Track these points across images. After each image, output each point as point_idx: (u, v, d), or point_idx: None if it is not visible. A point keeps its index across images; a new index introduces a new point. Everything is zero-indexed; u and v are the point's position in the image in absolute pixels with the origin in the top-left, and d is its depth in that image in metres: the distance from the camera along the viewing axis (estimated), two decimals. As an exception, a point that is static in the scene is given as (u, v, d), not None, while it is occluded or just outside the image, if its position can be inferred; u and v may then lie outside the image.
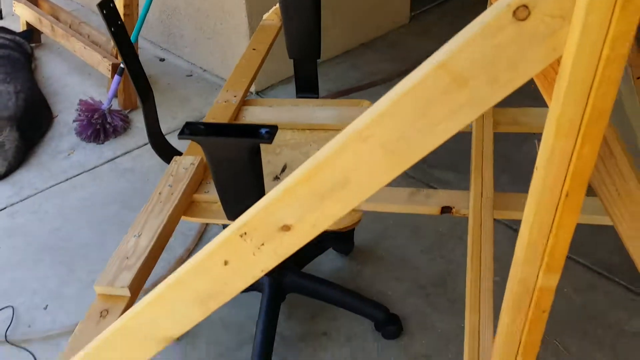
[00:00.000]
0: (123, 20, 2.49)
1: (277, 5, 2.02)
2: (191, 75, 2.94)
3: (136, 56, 1.53)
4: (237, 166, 1.22)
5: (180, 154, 1.59)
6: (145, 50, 3.11)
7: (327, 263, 1.96)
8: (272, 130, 1.17)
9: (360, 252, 1.99)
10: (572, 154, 0.57)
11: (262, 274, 0.79)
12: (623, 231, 0.72)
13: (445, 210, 1.33)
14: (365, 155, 0.65)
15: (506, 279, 0.79)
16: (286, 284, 1.75)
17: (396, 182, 0.86)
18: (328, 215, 0.71)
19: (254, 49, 1.93)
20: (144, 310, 0.87)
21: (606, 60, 0.51)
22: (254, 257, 0.77)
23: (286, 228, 0.73)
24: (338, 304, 1.76)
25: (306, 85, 1.80)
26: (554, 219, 0.62)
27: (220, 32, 2.75)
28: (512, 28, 0.54)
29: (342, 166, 0.66)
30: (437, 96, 0.59)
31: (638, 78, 1.31)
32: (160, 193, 1.39)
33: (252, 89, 2.76)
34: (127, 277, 1.19)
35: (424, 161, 2.15)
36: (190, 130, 1.20)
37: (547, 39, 0.54)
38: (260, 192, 1.27)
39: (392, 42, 3.16)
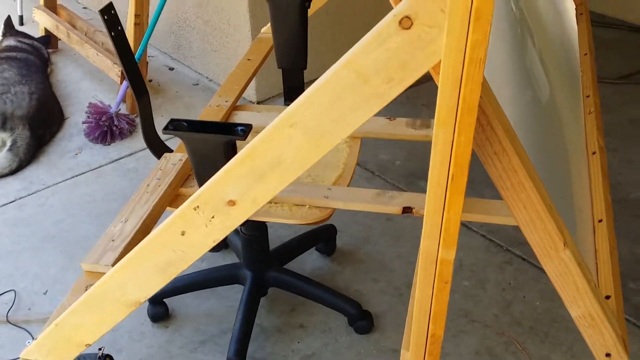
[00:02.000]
0: (134, 29, 2.66)
1: (274, 19, 2.16)
2: (198, 84, 3.09)
3: (134, 60, 1.67)
4: (214, 160, 1.35)
5: (171, 151, 1.73)
6: (156, 59, 3.27)
7: (310, 262, 2.08)
8: (247, 128, 1.29)
9: (342, 254, 2.11)
10: (452, 142, 0.69)
11: (214, 244, 0.92)
12: (518, 218, 0.83)
13: (406, 210, 1.44)
14: (293, 138, 0.77)
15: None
16: (268, 278, 1.87)
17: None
18: (266, 192, 0.83)
19: (248, 59, 2.07)
20: (112, 277, 1.00)
21: (468, 61, 0.63)
22: (207, 229, 0.89)
23: (231, 203, 0.85)
24: (315, 299, 1.88)
25: (294, 94, 1.93)
26: (445, 199, 0.74)
27: (226, 45, 2.90)
28: (400, 35, 0.67)
29: (275, 147, 0.79)
30: (345, 90, 0.72)
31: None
32: (148, 185, 1.52)
33: (254, 98, 2.90)
34: (112, 256, 1.32)
35: (411, 173, 2.27)
36: (174, 125, 1.34)
37: (428, 45, 0.66)
38: (236, 186, 1.40)
39: None
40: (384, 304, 1.92)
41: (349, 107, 0.72)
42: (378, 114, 1.96)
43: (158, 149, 1.74)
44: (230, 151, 1.34)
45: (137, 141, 2.70)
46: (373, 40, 0.68)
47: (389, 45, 0.67)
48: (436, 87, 0.77)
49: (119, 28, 1.62)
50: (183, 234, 0.89)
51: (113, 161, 2.59)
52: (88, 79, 3.12)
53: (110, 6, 1.58)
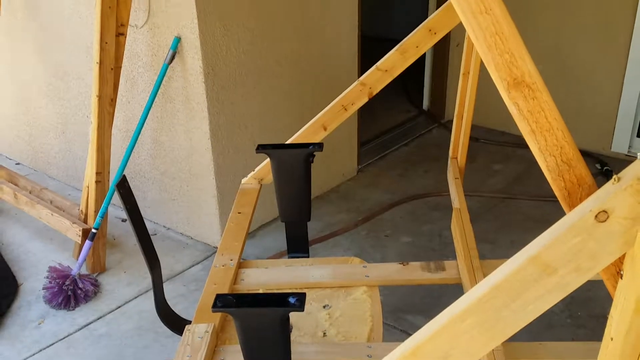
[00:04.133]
0: (95, 187, 2.57)
1: (256, 170, 2.17)
2: (155, 234, 3.00)
3: (147, 230, 1.61)
4: (267, 333, 1.29)
5: (186, 321, 1.64)
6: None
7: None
8: (302, 297, 1.25)
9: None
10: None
11: None
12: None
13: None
14: (464, 334, 0.75)
15: None
16: None
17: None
18: (425, 387, 0.79)
19: (239, 212, 2.04)
20: None
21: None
22: None
23: (382, 400, 0.81)
24: None
25: (297, 246, 1.91)
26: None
27: (187, 193, 2.86)
28: (594, 228, 0.68)
29: (443, 344, 0.76)
30: (530, 283, 0.71)
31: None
32: (181, 364, 1.42)
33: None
34: None
35: (397, 308, 2.26)
36: (223, 302, 1.27)
37: (622, 235, 0.68)
38: (287, 356, 1.33)
39: (344, 194, 3.36)
40: None
41: (531, 299, 0.72)
42: (387, 260, 1.96)
43: (174, 321, 1.64)
44: (286, 324, 1.29)
45: (103, 302, 2.55)
46: (566, 234, 0.69)
47: (583, 237, 0.69)
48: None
49: (133, 199, 1.56)
50: None
51: (82, 327, 2.41)
52: (37, 240, 2.95)
53: (124, 180, 1.54)
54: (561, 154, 0.72)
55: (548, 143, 0.72)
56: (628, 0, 3.34)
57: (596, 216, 0.68)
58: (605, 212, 0.68)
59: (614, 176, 0.67)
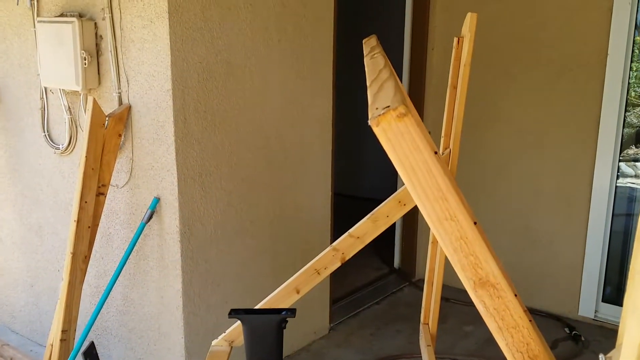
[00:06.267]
0: (59, 345, 2.51)
1: (227, 332, 2.15)
2: (118, 397, 2.88)
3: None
4: None
5: None
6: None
7: None
8: None
9: None
10: None
11: None
12: None
13: None
14: None
15: None
16: None
17: None
18: None
19: (207, 380, 1.99)
20: None
21: None
22: None
23: None
24: None
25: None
26: None
27: (154, 352, 2.79)
28: None
29: None
30: None
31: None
32: None
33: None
34: None
35: None
36: None
37: None
38: None
39: (316, 353, 3.30)
40: None
41: None
42: None
43: None
44: None
45: None
46: None
47: None
48: None
49: (100, 367, 1.53)
50: None
51: None
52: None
53: (91, 347, 1.52)
54: (528, 350, 0.75)
55: (515, 340, 0.75)
56: (584, 181, 3.55)
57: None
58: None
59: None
